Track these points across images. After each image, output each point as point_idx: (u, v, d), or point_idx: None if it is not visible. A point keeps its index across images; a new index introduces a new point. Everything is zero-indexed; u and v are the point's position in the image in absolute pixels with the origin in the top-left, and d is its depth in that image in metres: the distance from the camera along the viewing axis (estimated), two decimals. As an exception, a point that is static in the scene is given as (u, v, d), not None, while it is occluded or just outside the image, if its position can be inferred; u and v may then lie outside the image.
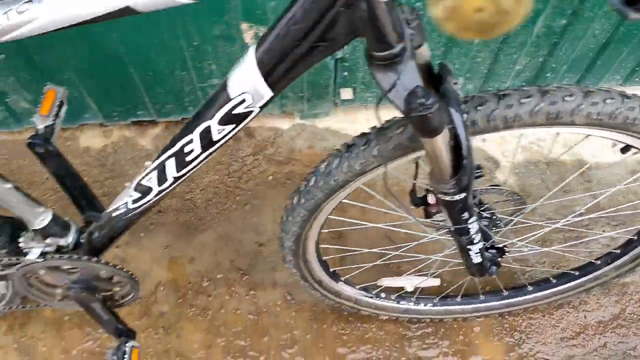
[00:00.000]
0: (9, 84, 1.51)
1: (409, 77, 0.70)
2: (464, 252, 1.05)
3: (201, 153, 0.87)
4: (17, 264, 1.07)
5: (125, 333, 1.29)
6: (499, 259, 1.16)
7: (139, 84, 1.56)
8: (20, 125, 1.69)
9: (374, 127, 0.92)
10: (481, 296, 1.48)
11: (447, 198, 0.86)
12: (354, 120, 1.87)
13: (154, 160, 0.93)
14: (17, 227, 1.15)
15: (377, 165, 0.91)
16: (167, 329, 1.54)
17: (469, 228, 0.95)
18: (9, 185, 0.99)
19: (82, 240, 1.14)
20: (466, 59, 1.58)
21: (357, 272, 1.36)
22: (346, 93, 1.73)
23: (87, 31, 1.34)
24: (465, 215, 0.92)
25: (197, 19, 1.35)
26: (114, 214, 1.05)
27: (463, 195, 0.85)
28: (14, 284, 1.23)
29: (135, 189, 0.98)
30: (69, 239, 1.11)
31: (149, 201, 0.98)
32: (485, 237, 1.08)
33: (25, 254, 1.08)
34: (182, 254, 1.64)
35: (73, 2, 0.65)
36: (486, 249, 1.12)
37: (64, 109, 1.11)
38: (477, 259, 1.06)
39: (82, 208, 1.14)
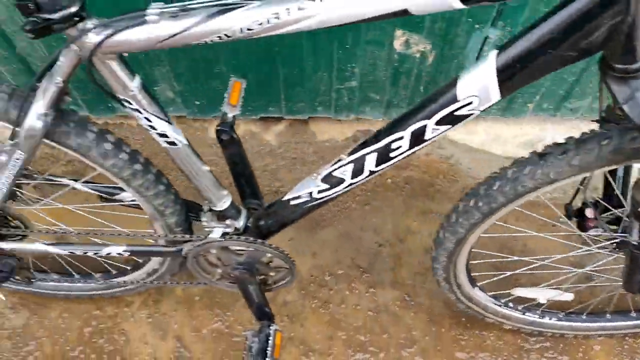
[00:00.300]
0: (163, 73, 1.60)
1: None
2: (634, 267, 1.06)
3: (407, 150, 0.92)
4: (201, 241, 1.13)
5: (268, 317, 1.35)
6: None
7: (281, 81, 1.62)
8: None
9: (570, 138, 0.94)
10: (608, 315, 1.48)
11: (649, 212, 0.88)
12: (473, 132, 1.89)
13: (351, 154, 0.99)
14: (188, 209, 1.22)
15: (571, 175, 0.93)
16: (291, 317, 1.60)
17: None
18: (206, 168, 1.07)
19: (249, 225, 1.20)
20: None
21: (494, 279, 1.38)
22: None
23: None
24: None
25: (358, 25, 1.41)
26: (292, 202, 1.11)
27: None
28: (171, 260, 1.32)
29: (324, 180, 1.04)
30: (240, 223, 1.18)
31: (335, 193, 1.04)
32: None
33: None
34: (305, 248, 1.70)
35: (351, 3, 0.71)
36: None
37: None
38: (644, 275, 1.08)
39: (245, 195, 1.20)
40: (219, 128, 1.12)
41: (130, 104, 0.89)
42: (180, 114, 1.79)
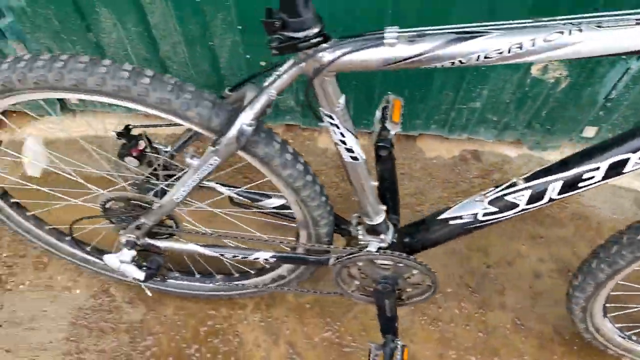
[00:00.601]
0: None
1: None
2: None
3: (599, 181, 0.92)
4: (356, 253, 1.16)
5: (394, 331, 1.36)
6: None
7: (407, 97, 1.64)
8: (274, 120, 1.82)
9: None
10: None
11: None
12: (583, 158, 1.88)
13: (529, 180, 1.00)
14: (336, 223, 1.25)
15: None
16: (401, 332, 1.60)
17: None
18: (375, 183, 1.09)
19: (394, 240, 1.21)
20: None
21: (625, 311, 1.37)
22: (590, 131, 1.75)
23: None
24: None
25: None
26: (452, 222, 1.12)
27: None
28: (304, 269, 1.34)
29: (492, 203, 1.05)
30: (389, 237, 1.19)
31: (503, 217, 1.05)
32: None
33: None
34: (415, 263, 1.71)
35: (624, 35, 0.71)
36: None
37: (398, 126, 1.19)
38: None
39: (389, 211, 1.22)
40: (379, 144, 1.14)
41: (332, 119, 0.92)
42: (295, 122, 1.82)
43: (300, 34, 0.77)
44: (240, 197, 1.28)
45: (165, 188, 1.20)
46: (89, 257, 1.56)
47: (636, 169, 0.89)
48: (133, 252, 1.25)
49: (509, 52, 0.75)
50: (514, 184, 1.03)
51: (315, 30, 0.77)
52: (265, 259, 1.26)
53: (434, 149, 1.92)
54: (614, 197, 1.81)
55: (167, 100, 0.94)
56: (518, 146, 1.92)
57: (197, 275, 1.59)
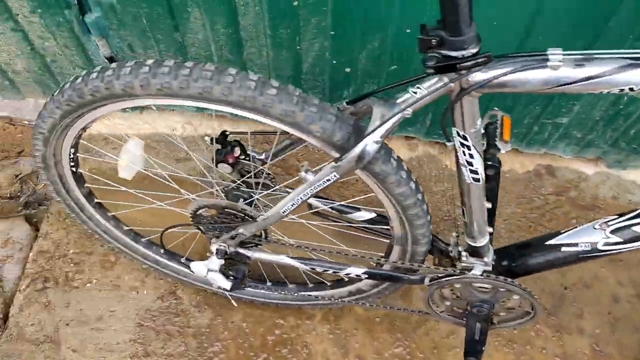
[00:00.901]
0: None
1: None
2: None
3: None
4: (459, 276, 1.11)
5: (476, 354, 1.32)
6: None
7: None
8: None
9: None
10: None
11: None
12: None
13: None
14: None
15: None
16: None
17: None
18: (488, 204, 1.04)
19: (493, 263, 1.17)
20: None
21: None
22: (675, 150, 1.68)
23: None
24: None
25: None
26: (565, 249, 1.07)
27: None
28: (389, 285, 1.30)
29: (615, 233, 1.00)
30: (490, 260, 1.15)
31: (627, 249, 1.00)
32: None
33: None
34: (489, 281, 1.66)
35: None
36: None
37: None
38: None
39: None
40: (488, 163, 1.09)
41: (466, 140, 0.87)
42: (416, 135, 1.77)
43: (460, 53, 0.73)
44: (330, 210, 1.24)
45: (260, 199, 1.16)
46: (161, 259, 1.54)
47: None
48: (222, 261, 1.22)
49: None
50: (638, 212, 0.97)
51: (475, 49, 0.73)
52: (357, 275, 1.22)
53: (507, 162, 1.86)
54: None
55: (291, 113, 0.90)
56: (595, 163, 1.86)
57: (269, 283, 1.56)
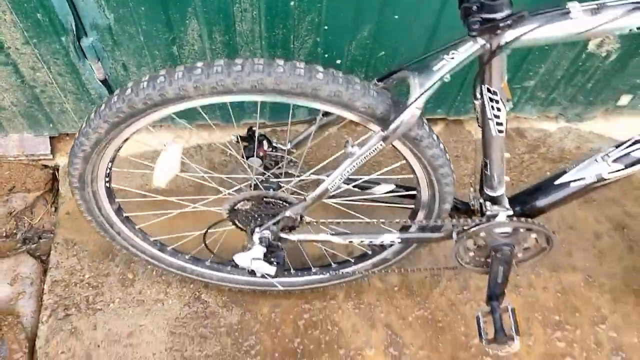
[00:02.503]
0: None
1: None
2: None
3: None
4: (486, 223, 1.23)
5: (499, 298, 1.44)
6: None
7: (459, 83, 1.73)
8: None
9: None
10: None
11: None
12: (615, 125, 2.04)
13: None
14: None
15: None
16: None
17: None
18: (508, 155, 1.16)
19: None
20: None
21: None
22: (625, 99, 1.90)
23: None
24: None
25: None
26: (573, 184, 1.22)
27: None
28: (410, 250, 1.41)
29: (617, 161, 1.15)
30: (510, 209, 1.28)
31: (629, 173, 1.15)
32: None
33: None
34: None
35: None
36: None
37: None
38: None
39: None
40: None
41: (496, 95, 0.99)
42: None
43: (499, 15, 0.84)
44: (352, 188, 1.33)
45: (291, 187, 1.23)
46: (187, 265, 1.57)
47: None
48: (264, 249, 1.28)
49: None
50: (637, 141, 1.13)
51: (510, 10, 0.85)
52: (392, 241, 1.31)
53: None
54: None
55: (339, 93, 0.98)
56: (555, 120, 2.05)
57: (293, 271, 1.62)
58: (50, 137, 1.89)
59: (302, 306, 1.68)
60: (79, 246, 1.76)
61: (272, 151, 1.28)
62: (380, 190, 1.37)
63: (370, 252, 1.54)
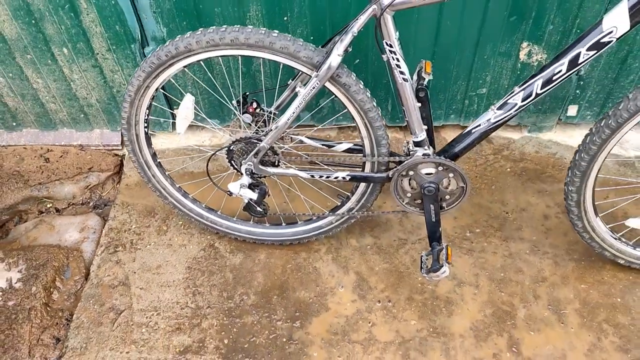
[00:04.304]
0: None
1: None
2: None
3: (563, 74, 1.40)
4: (405, 160, 1.61)
5: (438, 239, 1.76)
6: None
7: (431, 89, 2.15)
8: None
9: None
10: None
11: None
12: (571, 136, 2.35)
13: (521, 85, 1.47)
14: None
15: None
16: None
17: None
18: (418, 104, 1.57)
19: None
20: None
21: (612, 209, 1.77)
22: (572, 109, 2.23)
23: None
24: None
25: (496, 38, 1.95)
26: (474, 130, 1.58)
27: None
28: (368, 195, 1.78)
29: (499, 108, 1.52)
30: (430, 150, 1.65)
31: (508, 116, 1.51)
32: None
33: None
34: (448, 214, 2.13)
35: None
36: None
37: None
38: None
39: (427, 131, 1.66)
40: (419, 88, 1.63)
41: (392, 47, 1.43)
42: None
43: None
44: (320, 145, 1.77)
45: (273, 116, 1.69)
46: (203, 212, 2.02)
47: (584, 62, 1.37)
48: (250, 180, 1.72)
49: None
50: (512, 92, 1.50)
51: (382, -19, 1.31)
52: (343, 177, 1.71)
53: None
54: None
55: (287, 46, 1.46)
56: (519, 130, 2.40)
57: (283, 224, 2.02)
58: (121, 132, 2.47)
59: (291, 255, 2.07)
60: (131, 206, 2.27)
61: (259, 110, 1.75)
62: (341, 147, 1.80)
63: (339, 203, 1.92)
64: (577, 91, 2.14)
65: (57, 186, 2.42)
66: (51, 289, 2.00)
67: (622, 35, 1.32)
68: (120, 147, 2.47)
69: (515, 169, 2.28)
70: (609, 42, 1.33)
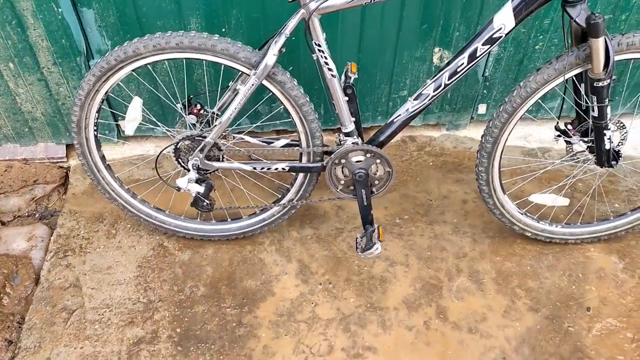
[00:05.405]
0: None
1: (585, 9, 1.48)
2: (600, 138, 1.72)
3: (465, 66, 1.63)
4: (337, 149, 1.78)
5: (371, 222, 1.94)
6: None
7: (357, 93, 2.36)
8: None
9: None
10: (595, 222, 2.09)
11: (600, 84, 1.58)
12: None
13: (433, 78, 1.70)
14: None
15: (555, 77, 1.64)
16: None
17: (606, 112, 1.65)
18: (346, 98, 1.75)
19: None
20: None
21: (515, 188, 2.02)
22: (482, 108, 2.50)
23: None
24: (606, 100, 1.62)
25: (411, 44, 2.19)
26: (395, 119, 1.79)
27: (607, 81, 1.57)
28: (306, 185, 1.94)
29: (415, 99, 1.73)
30: (359, 142, 1.84)
31: (423, 105, 1.72)
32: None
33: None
34: (379, 204, 2.32)
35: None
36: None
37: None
38: (607, 145, 1.74)
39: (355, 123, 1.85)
40: (346, 85, 1.82)
41: (320, 46, 1.61)
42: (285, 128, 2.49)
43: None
44: (261, 142, 1.91)
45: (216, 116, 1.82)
46: (152, 212, 2.11)
47: (481, 55, 1.61)
48: (196, 175, 1.84)
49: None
50: (425, 83, 1.72)
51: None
52: (283, 168, 1.87)
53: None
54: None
55: (228, 48, 1.61)
56: (439, 129, 2.64)
57: (229, 220, 2.14)
58: (66, 145, 2.51)
59: (237, 249, 2.18)
60: (79, 214, 2.31)
61: (202, 112, 1.88)
62: (279, 143, 1.95)
63: (280, 195, 2.07)
64: (485, 91, 2.41)
65: (2, 199, 2.42)
66: (1, 295, 2.01)
67: (510, 31, 1.56)
68: (66, 160, 2.51)
69: (436, 162, 2.51)
70: (500, 37, 1.57)
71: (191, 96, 1.88)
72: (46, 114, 2.34)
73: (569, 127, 1.83)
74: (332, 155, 1.80)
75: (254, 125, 2.30)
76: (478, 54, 1.60)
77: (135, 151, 2.54)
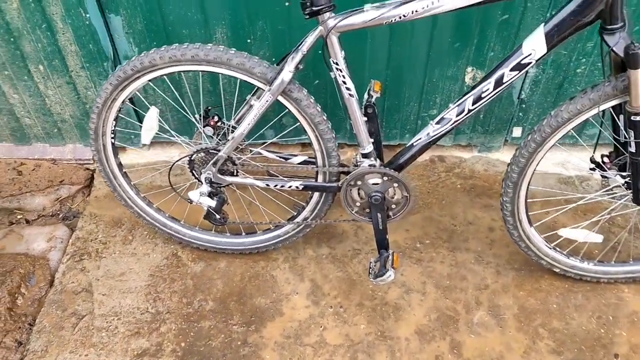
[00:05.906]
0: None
1: (625, 38, 1.35)
2: (638, 175, 1.59)
3: (491, 92, 1.53)
4: (354, 170, 1.71)
5: (386, 247, 1.86)
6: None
7: (385, 111, 2.28)
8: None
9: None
10: (631, 261, 1.94)
11: (638, 118, 1.45)
12: (517, 156, 2.48)
13: (456, 103, 1.60)
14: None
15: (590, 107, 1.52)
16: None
17: (646, 147, 1.52)
18: (365, 118, 1.68)
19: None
20: None
21: (547, 218, 1.89)
22: (517, 131, 2.37)
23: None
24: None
25: (443, 62, 2.10)
26: (415, 143, 1.70)
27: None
28: (321, 204, 1.87)
29: (437, 123, 1.64)
30: (377, 162, 1.76)
31: (445, 129, 1.63)
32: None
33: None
34: (400, 227, 2.23)
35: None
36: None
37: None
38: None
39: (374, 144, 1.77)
40: (367, 104, 1.74)
41: (338, 65, 1.55)
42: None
43: (317, 7, 1.43)
44: (278, 157, 1.87)
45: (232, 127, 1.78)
46: (166, 221, 2.10)
47: (508, 81, 1.50)
48: (209, 188, 1.81)
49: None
50: (448, 108, 1.63)
51: (327, 2, 1.44)
52: (297, 187, 1.81)
53: (410, 156, 2.51)
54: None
55: (243, 62, 1.57)
56: (470, 151, 2.53)
57: (243, 234, 2.10)
58: (93, 147, 2.54)
59: (250, 264, 2.14)
60: (99, 217, 2.33)
61: (220, 124, 1.85)
62: (296, 160, 1.90)
63: (295, 213, 2.02)
64: (520, 114, 2.28)
65: (28, 198, 2.47)
66: (16, 295, 2.04)
67: (540, 58, 1.45)
68: (92, 162, 2.54)
69: (465, 185, 2.40)
70: (529, 64, 1.46)
71: (209, 107, 1.84)
72: (74, 116, 2.37)
73: (605, 159, 1.70)
74: (348, 177, 1.74)
75: (277, 137, 2.25)
76: (505, 80, 1.50)
77: (160, 157, 2.54)
